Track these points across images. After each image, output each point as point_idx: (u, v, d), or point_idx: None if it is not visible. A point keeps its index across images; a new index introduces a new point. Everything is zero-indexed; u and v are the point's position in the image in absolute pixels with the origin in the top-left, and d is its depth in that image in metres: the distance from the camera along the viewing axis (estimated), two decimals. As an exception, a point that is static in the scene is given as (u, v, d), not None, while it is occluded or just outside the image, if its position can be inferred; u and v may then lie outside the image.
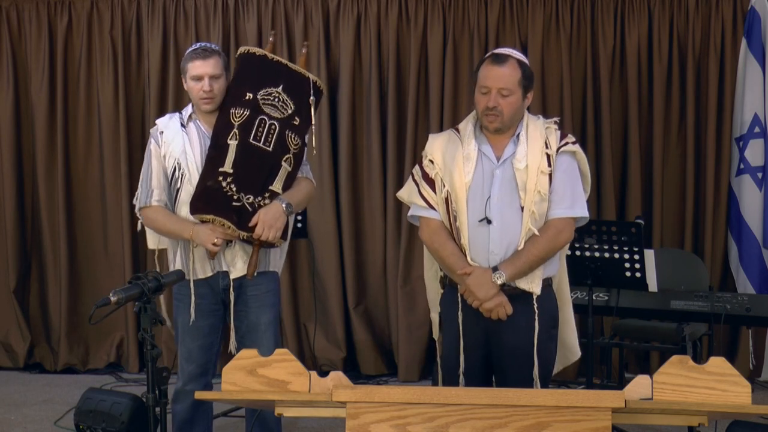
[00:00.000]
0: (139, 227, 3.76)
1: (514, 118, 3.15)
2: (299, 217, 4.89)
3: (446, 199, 3.17)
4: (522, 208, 3.10)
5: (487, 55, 3.25)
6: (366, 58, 5.79)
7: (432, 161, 3.23)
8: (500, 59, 3.14)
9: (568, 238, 3.19)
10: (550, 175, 3.11)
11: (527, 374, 3.12)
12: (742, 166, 5.55)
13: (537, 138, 3.14)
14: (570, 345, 3.36)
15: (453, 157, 3.17)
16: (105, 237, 5.98)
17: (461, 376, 3.19)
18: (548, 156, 3.12)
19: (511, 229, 3.11)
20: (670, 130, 5.73)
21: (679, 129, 5.74)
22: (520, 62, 3.15)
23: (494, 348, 3.18)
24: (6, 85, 5.94)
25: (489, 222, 3.11)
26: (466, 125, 3.25)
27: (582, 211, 3.19)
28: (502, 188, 3.12)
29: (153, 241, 3.76)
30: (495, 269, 3.08)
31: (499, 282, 3.07)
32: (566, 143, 3.18)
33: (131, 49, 5.91)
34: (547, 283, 3.20)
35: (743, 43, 5.52)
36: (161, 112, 5.82)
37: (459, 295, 3.19)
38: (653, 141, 5.69)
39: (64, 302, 5.94)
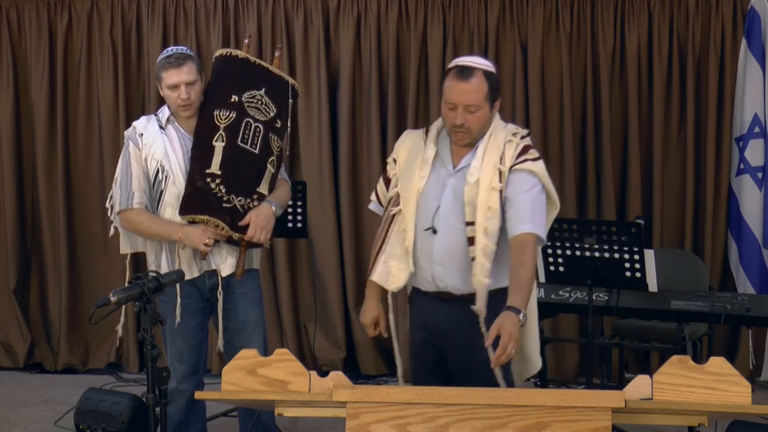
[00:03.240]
0: (112, 231, 3.72)
1: (483, 130, 3.10)
2: (299, 217, 4.90)
3: (391, 200, 3.20)
4: (466, 223, 3.04)
5: (452, 65, 3.14)
6: (366, 58, 5.79)
7: (395, 160, 3.24)
8: (465, 73, 3.03)
9: (537, 249, 3.07)
10: (501, 191, 3.02)
11: (478, 376, 3.01)
12: (742, 166, 5.55)
13: (494, 151, 3.06)
14: (529, 357, 3.23)
15: (414, 160, 3.16)
16: (105, 237, 5.96)
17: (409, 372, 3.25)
18: (500, 172, 3.04)
19: (454, 241, 3.06)
20: (670, 130, 5.74)
21: (679, 129, 5.74)
22: (486, 74, 3.05)
23: (444, 350, 3.18)
24: (6, 85, 5.94)
25: (434, 232, 3.09)
26: (434, 127, 3.22)
27: (542, 233, 3.04)
28: (451, 199, 3.08)
29: (127, 244, 3.73)
30: (513, 309, 2.86)
31: (524, 321, 2.89)
32: (524, 160, 3.06)
33: (131, 49, 5.91)
34: (499, 292, 3.07)
35: (743, 43, 5.52)
36: (161, 112, 5.84)
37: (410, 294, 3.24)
38: (653, 141, 5.69)
39: (64, 302, 5.94)
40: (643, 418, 2.40)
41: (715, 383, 2.29)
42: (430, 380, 3.19)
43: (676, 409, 2.31)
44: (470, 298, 3.04)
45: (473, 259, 3.03)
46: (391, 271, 3.19)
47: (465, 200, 3.04)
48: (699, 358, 4.68)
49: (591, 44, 5.72)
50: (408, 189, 3.13)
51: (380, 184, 3.32)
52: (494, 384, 3.01)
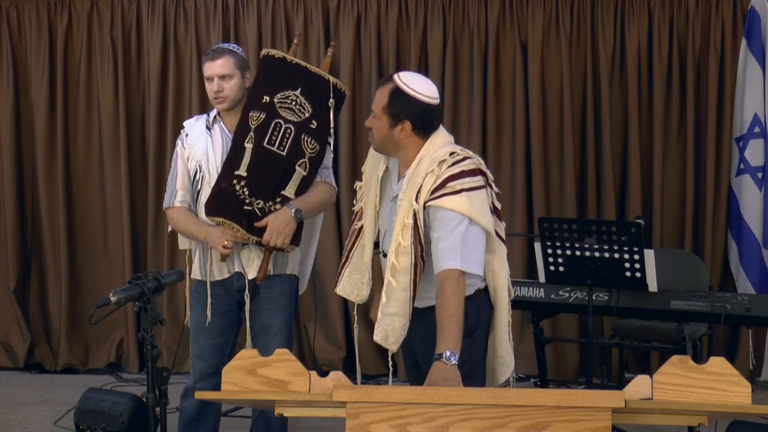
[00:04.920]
0: (169, 228, 3.80)
1: (385, 144, 3.02)
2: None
3: (357, 213, 3.20)
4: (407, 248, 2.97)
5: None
6: (366, 58, 5.80)
7: (363, 172, 3.23)
8: (382, 81, 3.04)
9: (458, 282, 2.88)
10: (416, 227, 2.91)
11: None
12: (742, 166, 5.55)
13: (414, 185, 2.94)
14: (492, 369, 3.15)
15: (372, 176, 3.15)
16: (105, 237, 5.98)
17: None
18: (414, 210, 2.89)
19: None
20: (670, 130, 5.74)
21: (679, 129, 5.75)
22: (395, 90, 2.95)
23: (415, 355, 3.15)
24: (6, 85, 5.94)
25: (384, 255, 3.07)
26: None
27: (467, 266, 2.87)
28: (393, 224, 3.03)
29: (183, 242, 3.78)
30: (440, 356, 2.80)
31: (456, 362, 2.80)
32: (440, 195, 2.87)
33: (131, 49, 5.92)
34: (426, 311, 3.02)
35: (743, 43, 5.52)
36: (161, 112, 5.86)
37: None
38: (653, 141, 5.69)
39: (64, 302, 5.94)
40: (643, 418, 2.39)
41: (715, 383, 2.29)
42: (412, 381, 3.21)
43: (676, 409, 2.31)
44: (427, 311, 3.00)
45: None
46: (356, 284, 3.19)
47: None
48: (699, 358, 4.68)
49: (591, 44, 5.72)
50: (367, 205, 3.15)
51: (357, 194, 3.30)
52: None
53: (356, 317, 3.28)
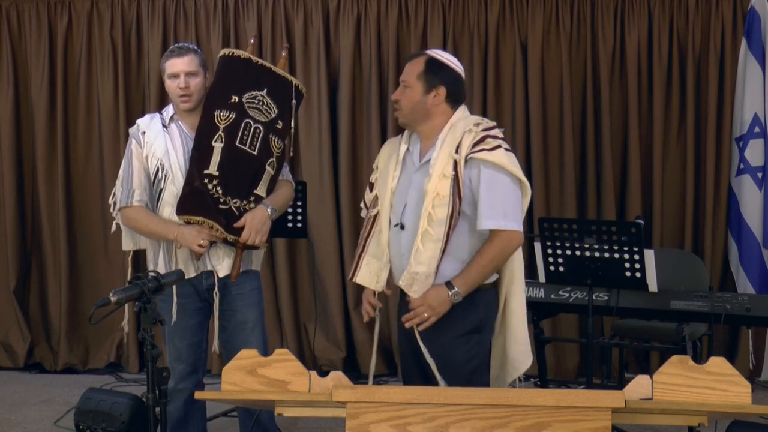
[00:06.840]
0: (113, 228, 3.75)
1: (415, 113, 3.12)
2: (299, 217, 4.91)
3: (370, 203, 3.28)
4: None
5: None
6: (366, 58, 5.80)
7: (377, 167, 3.31)
8: (411, 56, 3.21)
9: (517, 245, 3.08)
10: (456, 179, 3.00)
11: (454, 374, 3.02)
12: (742, 166, 5.55)
13: (452, 141, 3.05)
14: (511, 359, 3.19)
15: (390, 162, 3.22)
16: (105, 237, 5.98)
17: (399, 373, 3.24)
18: (455, 161, 3.01)
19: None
20: (670, 130, 5.74)
21: (679, 129, 5.75)
22: (430, 59, 3.12)
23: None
24: (6, 85, 5.94)
25: (402, 227, 3.10)
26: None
27: (514, 225, 3.03)
28: (416, 194, 3.09)
29: (129, 242, 3.75)
30: (447, 285, 2.99)
31: (456, 300, 3.00)
32: (480, 150, 3.01)
33: (131, 49, 5.92)
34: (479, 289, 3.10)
35: (743, 43, 5.52)
36: (161, 112, 5.84)
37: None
38: (653, 141, 5.69)
39: (64, 302, 5.94)
40: (643, 418, 2.40)
41: (715, 383, 2.29)
42: (405, 375, 3.23)
43: (676, 409, 2.31)
44: None
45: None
46: (374, 271, 3.24)
47: (426, 192, 3.05)
48: (699, 358, 4.68)
49: (591, 44, 5.72)
50: (383, 189, 3.20)
51: (367, 192, 3.37)
52: (469, 381, 3.01)
53: (379, 304, 3.27)
